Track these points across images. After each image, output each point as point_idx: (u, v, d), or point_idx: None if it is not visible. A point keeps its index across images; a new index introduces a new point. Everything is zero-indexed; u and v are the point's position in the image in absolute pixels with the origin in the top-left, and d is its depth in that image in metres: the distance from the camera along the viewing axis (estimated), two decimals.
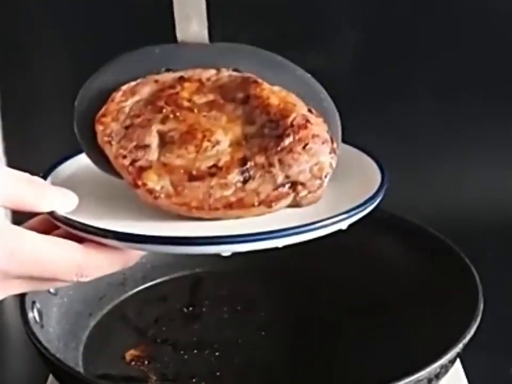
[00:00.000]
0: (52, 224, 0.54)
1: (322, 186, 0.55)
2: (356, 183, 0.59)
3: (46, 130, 0.98)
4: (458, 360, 0.67)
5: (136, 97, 0.59)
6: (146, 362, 0.69)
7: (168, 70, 0.62)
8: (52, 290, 0.70)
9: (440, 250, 0.74)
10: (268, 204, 0.53)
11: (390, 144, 1.00)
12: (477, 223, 0.97)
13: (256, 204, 0.53)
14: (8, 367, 0.79)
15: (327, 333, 0.72)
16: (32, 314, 0.65)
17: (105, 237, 0.51)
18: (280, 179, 0.55)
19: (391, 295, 0.74)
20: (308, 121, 0.58)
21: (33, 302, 0.66)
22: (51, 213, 0.53)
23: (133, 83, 0.60)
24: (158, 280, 0.80)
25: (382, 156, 1.03)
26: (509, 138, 1.02)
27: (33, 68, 0.96)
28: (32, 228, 0.52)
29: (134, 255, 0.53)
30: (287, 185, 0.54)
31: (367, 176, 0.60)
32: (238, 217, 0.53)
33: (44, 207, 0.53)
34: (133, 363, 0.69)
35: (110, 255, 0.52)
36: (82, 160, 0.62)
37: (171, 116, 0.57)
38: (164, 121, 0.57)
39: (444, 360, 0.59)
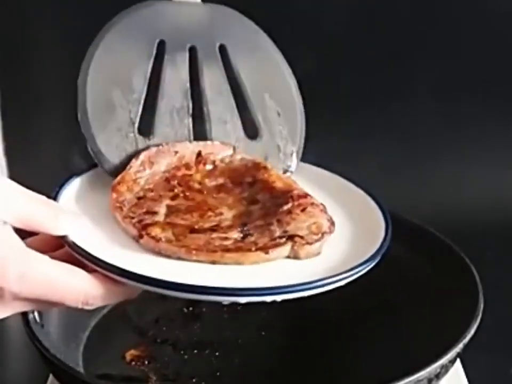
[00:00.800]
0: (54, 244, 0.56)
1: (321, 240, 0.57)
2: (360, 235, 0.61)
3: (46, 130, 0.98)
4: (458, 360, 0.67)
5: (154, 168, 0.63)
6: (146, 362, 0.69)
7: (162, 42, 0.65)
8: None
9: (440, 250, 0.74)
10: (265, 250, 0.55)
11: (390, 144, 1.00)
12: (477, 223, 0.97)
13: (253, 249, 0.55)
14: (8, 367, 0.79)
15: (327, 333, 0.72)
16: (33, 315, 0.65)
17: (113, 272, 0.53)
18: (277, 233, 0.57)
19: (391, 295, 0.74)
20: (308, 194, 0.61)
21: None
22: (63, 237, 0.55)
23: (153, 150, 0.63)
24: None
25: (382, 156, 1.03)
26: (509, 138, 1.02)
27: (33, 68, 0.96)
28: (33, 247, 0.52)
29: (138, 288, 0.54)
30: (284, 238, 0.56)
31: (371, 228, 0.61)
32: (236, 263, 0.55)
33: (59, 231, 0.54)
34: (133, 363, 0.69)
35: (115, 287, 0.53)
36: (90, 179, 0.64)
37: (181, 195, 0.62)
38: (173, 198, 0.61)
39: (444, 360, 0.59)
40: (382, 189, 0.94)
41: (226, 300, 0.53)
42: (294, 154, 0.67)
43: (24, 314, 0.63)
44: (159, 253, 0.55)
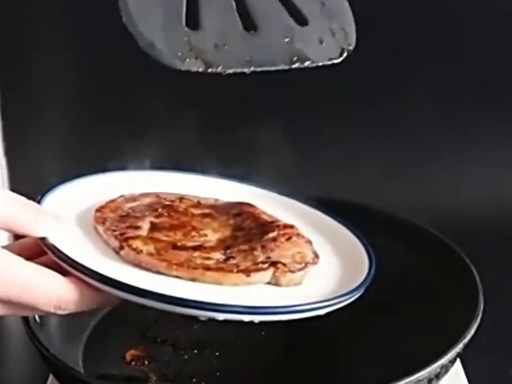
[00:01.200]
0: (36, 250, 0.55)
1: (303, 270, 0.57)
2: (344, 269, 0.61)
3: (46, 130, 0.98)
4: (458, 360, 0.67)
5: (136, 203, 0.63)
6: (146, 362, 0.69)
7: None
8: None
9: (440, 250, 0.74)
10: (246, 272, 0.55)
11: (390, 145, 1.00)
12: (477, 223, 0.97)
13: (235, 270, 0.55)
14: (8, 367, 0.79)
15: (327, 333, 0.72)
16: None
17: (88, 276, 0.52)
18: (260, 259, 0.57)
19: (390, 295, 0.74)
20: (294, 226, 0.61)
21: None
22: (42, 239, 0.54)
23: (136, 194, 0.65)
24: None
25: (382, 156, 1.03)
26: (509, 138, 1.02)
27: (33, 67, 0.96)
28: (14, 252, 0.52)
29: (113, 296, 0.53)
30: (267, 264, 0.56)
31: (356, 264, 0.61)
32: (216, 282, 0.54)
33: (38, 233, 0.54)
34: (133, 363, 0.69)
35: (89, 293, 0.53)
36: (79, 186, 0.64)
37: (165, 214, 0.62)
38: (158, 217, 0.61)
39: (444, 360, 0.59)
40: (382, 189, 0.95)
41: (204, 314, 0.52)
42: (348, 35, 0.66)
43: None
44: (139, 266, 0.55)
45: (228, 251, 0.57)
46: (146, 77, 0.93)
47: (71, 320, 0.70)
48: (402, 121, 0.99)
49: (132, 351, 0.70)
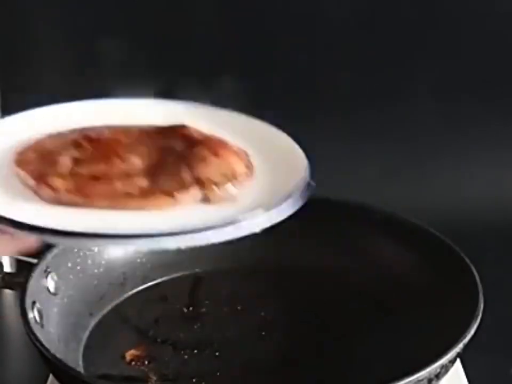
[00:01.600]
0: None
1: (234, 186, 0.55)
2: (281, 178, 0.58)
3: None
4: (458, 360, 0.67)
5: (61, 140, 0.60)
6: (146, 362, 0.69)
7: None
8: (51, 290, 0.70)
9: (440, 250, 0.74)
10: (170, 193, 0.53)
11: (390, 145, 1.00)
12: (477, 223, 0.97)
13: (158, 193, 0.53)
14: (8, 367, 0.79)
15: (327, 333, 0.72)
16: (33, 315, 0.65)
17: None
18: (188, 180, 0.54)
19: (391, 295, 0.74)
20: (224, 141, 0.59)
21: (34, 302, 0.66)
22: None
23: (64, 131, 0.61)
24: (158, 280, 0.80)
25: (382, 156, 1.03)
26: (509, 138, 1.02)
27: (33, 67, 0.96)
28: None
29: (30, 242, 0.53)
30: (194, 183, 0.54)
31: (293, 172, 0.58)
32: (140, 209, 0.53)
33: None
34: (133, 363, 0.69)
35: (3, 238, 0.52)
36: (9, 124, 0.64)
37: (89, 147, 0.58)
38: (79, 148, 0.58)
39: (444, 360, 0.59)
40: (382, 189, 0.95)
41: (109, 243, 0.50)
42: None
43: (24, 315, 0.63)
44: (59, 204, 0.53)
45: (154, 176, 0.55)
46: (146, 77, 0.93)
47: (71, 320, 0.70)
48: (402, 121, 0.99)
49: (132, 351, 0.70)
